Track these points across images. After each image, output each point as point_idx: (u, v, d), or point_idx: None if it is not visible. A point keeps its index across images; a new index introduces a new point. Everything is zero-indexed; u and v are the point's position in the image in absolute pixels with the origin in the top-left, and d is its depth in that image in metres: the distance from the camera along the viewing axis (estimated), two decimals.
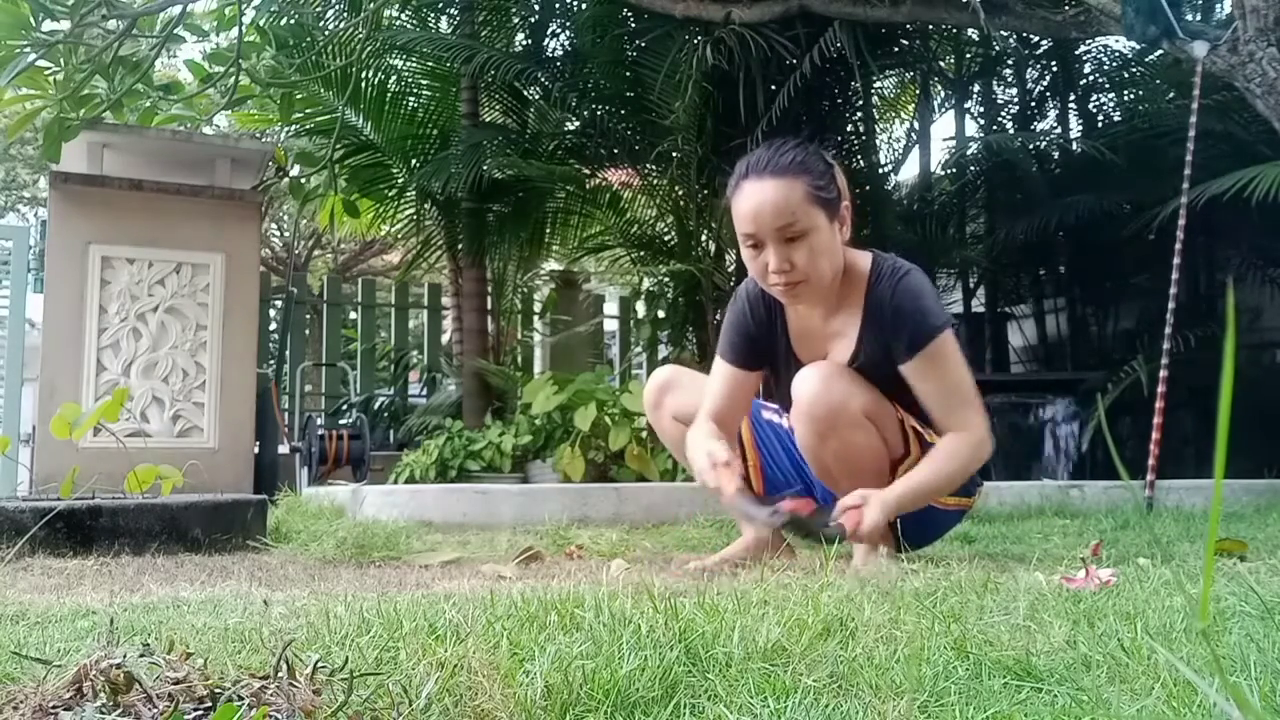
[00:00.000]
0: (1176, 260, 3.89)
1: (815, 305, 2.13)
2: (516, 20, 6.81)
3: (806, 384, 2.02)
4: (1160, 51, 5.56)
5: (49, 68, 4.41)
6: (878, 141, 7.43)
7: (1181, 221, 3.89)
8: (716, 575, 1.86)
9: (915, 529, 2.14)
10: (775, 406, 2.32)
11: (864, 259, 2.11)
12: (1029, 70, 7.42)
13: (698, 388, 2.27)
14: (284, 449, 5.40)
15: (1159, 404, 3.73)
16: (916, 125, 7.67)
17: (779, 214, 1.97)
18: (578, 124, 6.72)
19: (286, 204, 10.81)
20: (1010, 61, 7.32)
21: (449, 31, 6.82)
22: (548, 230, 7.02)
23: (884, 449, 2.07)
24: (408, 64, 6.73)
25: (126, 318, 4.27)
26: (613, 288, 10.97)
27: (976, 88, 7.66)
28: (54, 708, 0.80)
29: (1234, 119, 5.49)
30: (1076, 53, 7.08)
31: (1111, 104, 7.42)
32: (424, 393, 8.17)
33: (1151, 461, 3.68)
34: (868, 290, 2.07)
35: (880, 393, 2.06)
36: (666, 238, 6.50)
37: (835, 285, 2.08)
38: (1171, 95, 6.38)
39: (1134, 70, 7.03)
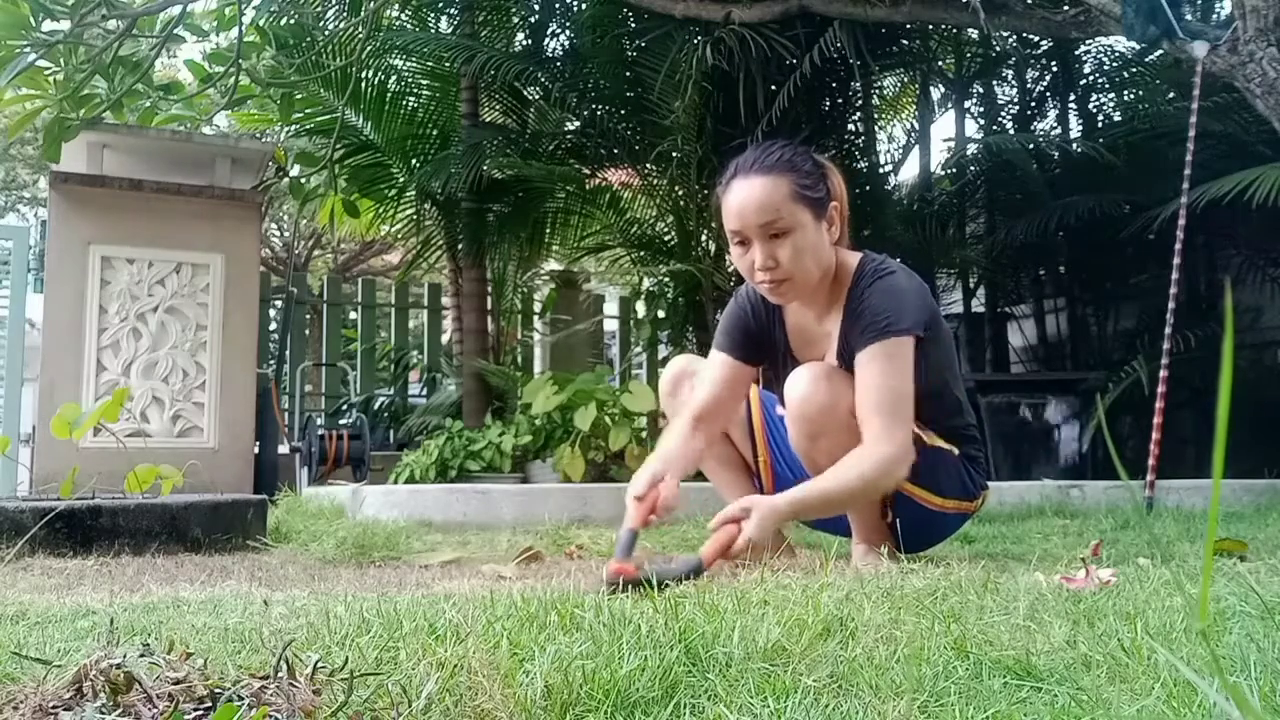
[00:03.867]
0: (1176, 260, 3.89)
1: (805, 305, 2.13)
2: (516, 20, 6.81)
3: (797, 385, 2.01)
4: (1160, 51, 5.55)
5: (49, 68, 4.41)
6: (878, 141, 7.43)
7: (1181, 222, 3.89)
8: (716, 574, 1.85)
9: (914, 532, 2.12)
10: None
11: (854, 259, 2.09)
12: (1029, 70, 7.42)
13: None
14: (284, 449, 5.40)
15: (1159, 404, 3.73)
16: (916, 125, 7.66)
17: (763, 210, 1.98)
18: (578, 124, 6.71)
19: (286, 204, 10.81)
20: (1010, 61, 7.31)
21: (449, 31, 6.81)
22: (547, 230, 7.01)
23: None
24: (408, 64, 6.73)
25: (126, 318, 4.27)
26: (613, 288, 10.97)
27: (976, 88, 7.65)
28: (54, 708, 0.80)
29: (1234, 119, 5.49)
30: (1076, 53, 7.08)
31: (1111, 104, 7.41)
32: (424, 393, 8.16)
33: (1151, 461, 3.68)
34: (850, 289, 2.06)
35: None
36: (666, 238, 6.49)
37: (825, 286, 2.07)
38: (1171, 95, 6.37)
39: (1134, 70, 7.02)
